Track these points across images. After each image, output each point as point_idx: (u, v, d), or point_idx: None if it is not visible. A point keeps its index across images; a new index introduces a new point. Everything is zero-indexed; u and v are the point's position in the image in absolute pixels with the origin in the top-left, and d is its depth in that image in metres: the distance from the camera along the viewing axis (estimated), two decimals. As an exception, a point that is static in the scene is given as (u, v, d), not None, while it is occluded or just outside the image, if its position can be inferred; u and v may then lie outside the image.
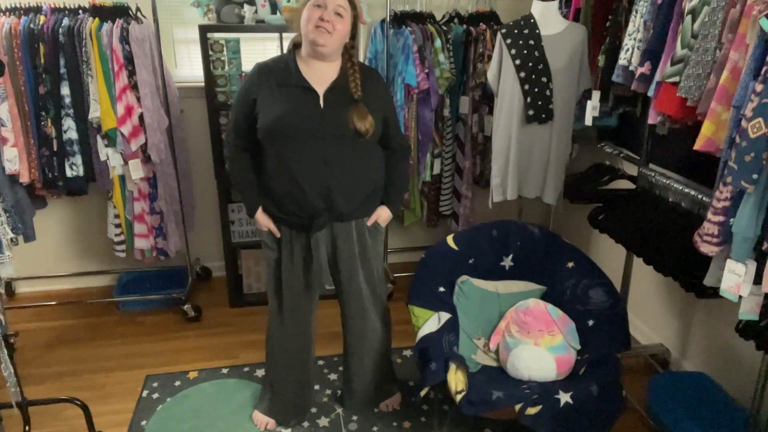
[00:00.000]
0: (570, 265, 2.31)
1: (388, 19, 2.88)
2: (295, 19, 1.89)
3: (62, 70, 2.57)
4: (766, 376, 1.90)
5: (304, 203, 1.91)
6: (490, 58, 2.77)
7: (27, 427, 2.11)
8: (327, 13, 1.78)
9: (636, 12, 2.06)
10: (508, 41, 2.52)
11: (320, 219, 1.93)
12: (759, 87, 1.41)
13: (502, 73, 2.59)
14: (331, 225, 1.99)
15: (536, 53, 2.50)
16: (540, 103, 2.53)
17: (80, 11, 2.65)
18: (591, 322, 2.16)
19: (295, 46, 1.93)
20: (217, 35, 2.83)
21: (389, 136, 2.02)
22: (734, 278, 1.57)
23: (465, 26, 3.01)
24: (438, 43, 2.91)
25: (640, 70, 1.99)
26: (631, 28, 2.09)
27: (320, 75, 1.88)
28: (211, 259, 3.46)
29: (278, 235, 2.02)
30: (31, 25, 2.53)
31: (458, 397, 1.84)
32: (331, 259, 2.07)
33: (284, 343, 2.17)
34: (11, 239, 2.40)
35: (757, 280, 1.54)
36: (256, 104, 1.88)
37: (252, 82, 1.91)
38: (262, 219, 2.02)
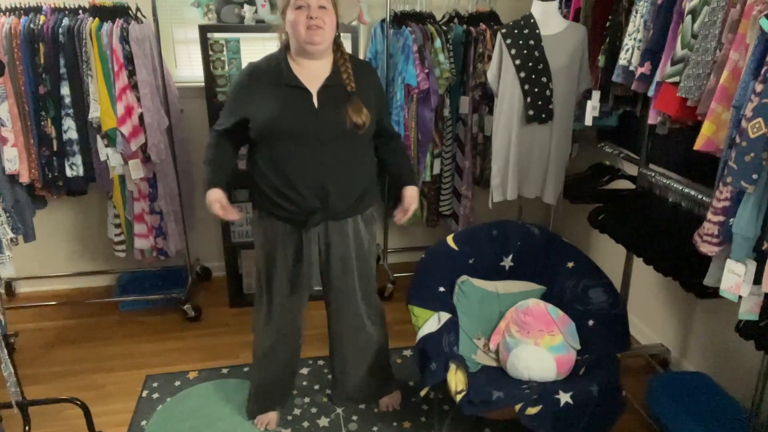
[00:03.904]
0: (570, 265, 2.32)
1: (388, 19, 2.88)
2: (279, 26, 1.90)
3: (62, 70, 2.57)
4: (766, 376, 1.90)
5: (299, 202, 1.90)
6: (490, 58, 2.77)
7: (27, 427, 2.11)
8: (312, 10, 1.78)
9: (636, 12, 2.06)
10: (508, 41, 2.52)
11: (314, 217, 1.92)
12: (759, 87, 1.41)
13: (502, 73, 2.59)
14: (325, 223, 1.98)
15: (536, 53, 2.50)
16: (540, 103, 2.52)
17: (80, 11, 2.65)
18: (591, 322, 2.16)
19: (286, 47, 1.92)
20: (217, 35, 2.82)
21: (382, 127, 2.03)
22: (734, 278, 1.57)
23: (465, 26, 3.01)
24: (438, 43, 2.91)
25: (640, 70, 1.99)
26: (631, 28, 2.09)
27: (313, 74, 1.88)
28: (211, 259, 3.46)
29: (231, 217, 1.94)
30: (31, 25, 2.53)
31: (458, 397, 1.84)
32: (324, 258, 2.05)
33: (272, 344, 2.16)
34: (11, 239, 2.41)
35: (757, 280, 1.54)
36: (247, 105, 1.87)
37: (243, 84, 1.90)
38: (214, 196, 1.91)
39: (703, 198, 2.10)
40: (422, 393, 1.94)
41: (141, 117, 2.66)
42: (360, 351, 2.23)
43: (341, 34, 1.96)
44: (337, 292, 2.11)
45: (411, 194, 2.07)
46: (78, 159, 2.68)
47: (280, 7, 1.87)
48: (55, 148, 2.65)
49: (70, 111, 2.62)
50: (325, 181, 1.89)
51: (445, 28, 2.98)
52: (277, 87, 1.86)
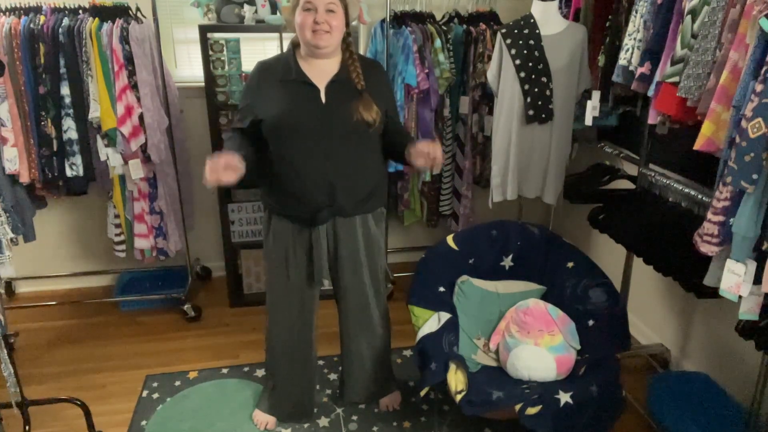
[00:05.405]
0: (570, 265, 2.32)
1: (388, 19, 2.88)
2: (288, 24, 1.90)
3: (62, 70, 2.57)
4: (766, 376, 1.90)
5: (306, 198, 1.91)
6: (490, 58, 2.77)
7: (27, 427, 2.11)
8: (319, 15, 1.77)
9: (636, 12, 2.06)
10: (508, 41, 2.52)
11: (322, 213, 1.93)
12: (759, 87, 1.41)
13: (502, 73, 2.59)
14: (333, 220, 1.98)
15: (536, 53, 2.50)
16: (540, 103, 2.52)
17: (80, 11, 2.65)
18: (591, 322, 2.16)
19: (295, 44, 1.93)
20: (217, 35, 2.82)
21: (392, 121, 2.01)
22: (734, 278, 1.57)
23: (465, 26, 3.01)
24: (438, 43, 2.91)
25: (640, 70, 1.99)
26: (631, 28, 2.09)
27: (320, 71, 1.89)
28: (211, 259, 3.46)
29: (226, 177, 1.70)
30: (31, 25, 2.53)
31: (458, 397, 1.84)
32: (332, 256, 2.06)
33: (286, 340, 2.16)
34: (11, 239, 2.41)
35: (757, 280, 1.54)
36: (257, 102, 1.88)
37: (253, 82, 1.92)
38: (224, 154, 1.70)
39: (703, 198, 2.11)
40: (422, 393, 1.94)
41: (141, 117, 2.66)
42: (366, 350, 2.23)
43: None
44: (346, 290, 2.12)
45: (422, 143, 1.85)
46: (78, 159, 2.67)
47: (291, 6, 1.86)
48: (55, 148, 2.65)
49: (70, 111, 2.62)
50: (332, 177, 1.89)
51: (445, 28, 2.98)
52: (286, 83, 1.87)
